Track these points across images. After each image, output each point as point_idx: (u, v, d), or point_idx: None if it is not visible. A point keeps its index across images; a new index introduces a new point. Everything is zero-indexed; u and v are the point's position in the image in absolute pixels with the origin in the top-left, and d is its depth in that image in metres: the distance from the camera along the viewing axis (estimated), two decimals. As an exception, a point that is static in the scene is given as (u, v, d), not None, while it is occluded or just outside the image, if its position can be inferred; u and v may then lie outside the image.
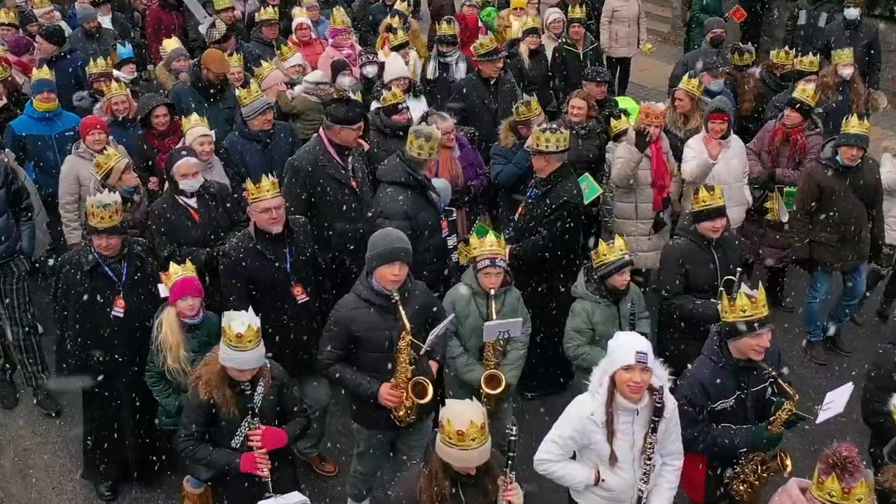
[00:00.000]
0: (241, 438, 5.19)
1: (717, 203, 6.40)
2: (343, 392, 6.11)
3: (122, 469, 6.72)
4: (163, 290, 5.93)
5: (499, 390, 5.95)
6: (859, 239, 7.71)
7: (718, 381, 5.23)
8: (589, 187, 7.95)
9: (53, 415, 7.55)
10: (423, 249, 6.48)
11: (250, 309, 5.20)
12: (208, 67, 8.88)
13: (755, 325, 5.09)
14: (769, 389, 5.33)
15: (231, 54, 9.75)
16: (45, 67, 9.12)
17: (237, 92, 8.27)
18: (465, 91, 9.27)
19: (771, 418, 5.21)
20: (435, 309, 5.78)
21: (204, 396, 5.11)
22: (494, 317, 5.90)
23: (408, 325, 5.31)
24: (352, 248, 6.93)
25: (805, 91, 8.27)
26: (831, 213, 7.59)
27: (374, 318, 5.39)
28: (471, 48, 9.86)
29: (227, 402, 5.11)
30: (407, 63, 9.62)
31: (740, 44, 10.33)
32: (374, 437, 5.80)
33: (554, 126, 7.09)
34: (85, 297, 6.25)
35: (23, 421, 7.56)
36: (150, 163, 8.20)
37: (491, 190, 8.28)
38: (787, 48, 9.97)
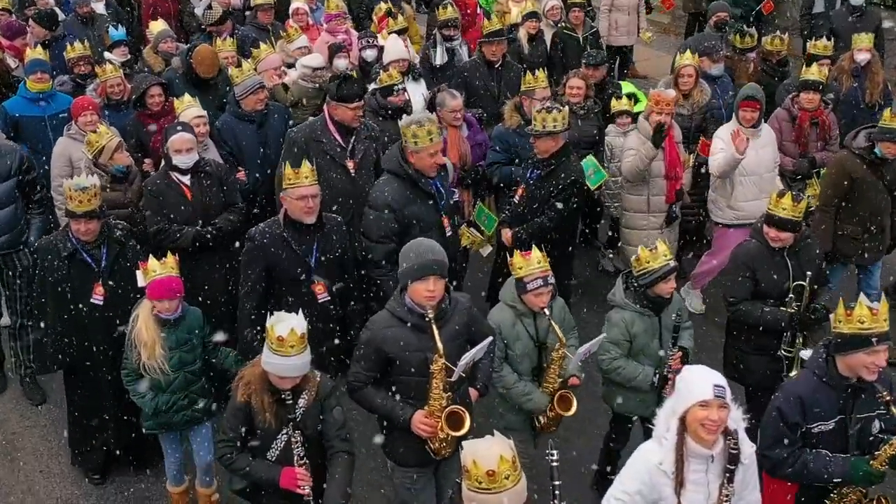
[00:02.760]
0: (278, 452, 4.81)
1: (786, 215, 5.90)
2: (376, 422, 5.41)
3: (107, 456, 6.56)
4: (140, 280, 5.69)
5: (572, 411, 5.49)
6: (882, 232, 7.43)
7: (820, 399, 4.64)
8: (595, 172, 7.84)
9: (38, 405, 7.43)
10: None
11: (300, 314, 4.79)
12: (198, 67, 8.67)
13: (873, 339, 4.48)
14: (878, 423, 4.70)
15: (226, 39, 9.62)
16: (39, 48, 9.02)
17: (230, 71, 8.15)
18: (467, 74, 9.17)
19: (875, 452, 4.62)
20: (477, 328, 5.18)
21: (241, 398, 4.75)
22: (560, 335, 5.34)
23: (440, 346, 4.74)
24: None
25: (821, 72, 8.12)
26: (859, 205, 7.27)
27: (409, 337, 4.87)
28: (480, 30, 9.70)
29: (264, 409, 4.71)
30: (407, 46, 9.50)
31: (744, 26, 10.16)
32: (413, 478, 5.21)
33: (552, 105, 6.94)
34: (63, 284, 6.05)
35: (11, 405, 7.44)
36: (145, 144, 8.05)
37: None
38: (779, 34, 9.77)
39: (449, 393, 4.87)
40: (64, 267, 6.03)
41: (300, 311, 4.91)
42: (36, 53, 8.67)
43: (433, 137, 6.04)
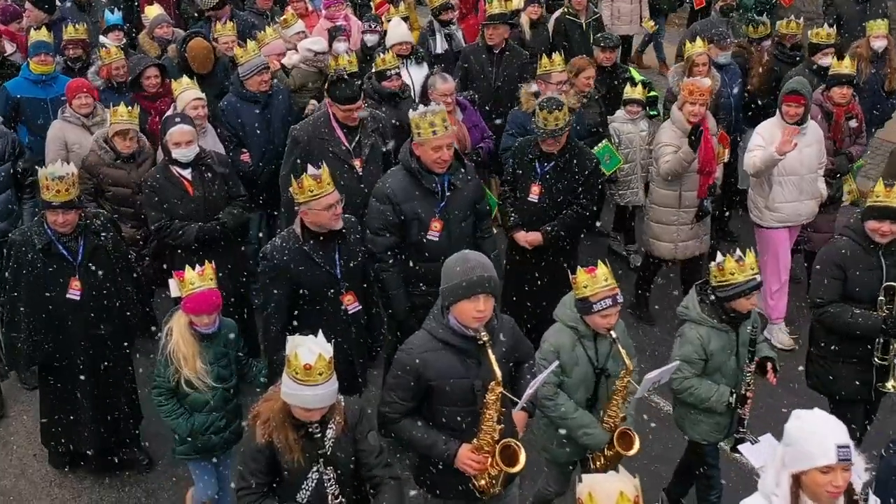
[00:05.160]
0: (309, 492, 4.26)
1: (893, 204, 5.50)
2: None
3: (81, 457, 6.34)
4: (174, 290, 5.24)
5: (633, 451, 4.91)
6: None
7: None
8: (611, 158, 7.73)
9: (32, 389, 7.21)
10: (409, 244, 5.88)
11: (321, 335, 4.26)
12: (191, 63, 8.50)
13: None
14: None
15: (225, 23, 9.50)
16: (44, 29, 8.93)
17: (235, 51, 8.02)
18: (467, 57, 9.07)
19: None
20: (520, 349, 4.75)
21: (262, 439, 4.17)
22: (628, 361, 4.82)
23: (498, 372, 4.28)
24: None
25: (851, 65, 7.79)
26: None
27: (453, 362, 4.37)
28: (482, 14, 9.60)
29: (290, 447, 4.15)
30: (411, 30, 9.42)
31: (755, 15, 9.96)
32: None
33: (550, 102, 6.59)
34: (37, 278, 5.76)
35: (4, 389, 7.28)
36: (141, 127, 7.90)
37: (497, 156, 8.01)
38: (793, 18, 9.58)
39: (502, 425, 4.43)
40: (38, 260, 5.73)
41: (325, 327, 4.50)
42: (40, 35, 8.60)
43: (436, 130, 5.65)
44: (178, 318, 5.15)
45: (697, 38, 8.55)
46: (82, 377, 5.95)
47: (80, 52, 8.96)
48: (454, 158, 5.82)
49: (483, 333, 4.28)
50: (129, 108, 7.00)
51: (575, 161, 6.69)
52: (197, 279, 5.08)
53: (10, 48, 9.56)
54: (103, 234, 5.95)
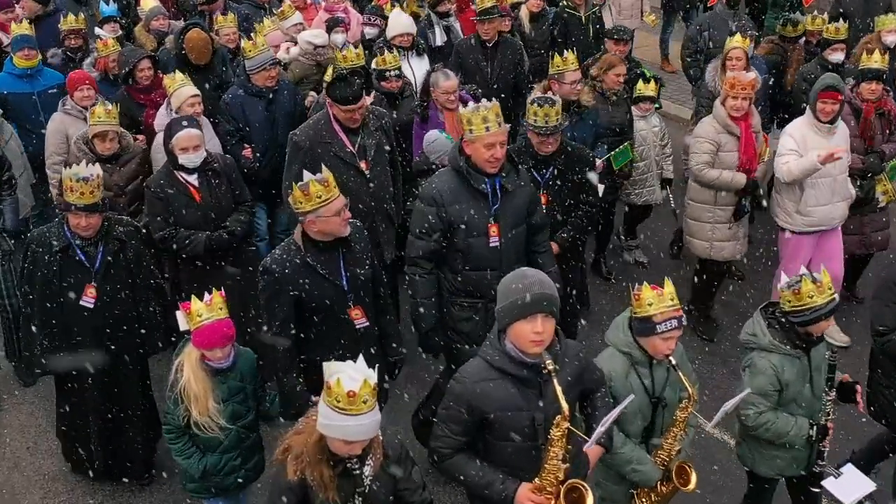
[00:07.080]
0: None
1: None
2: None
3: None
4: (182, 322, 4.85)
5: (691, 487, 4.56)
6: None
7: None
8: (624, 155, 7.64)
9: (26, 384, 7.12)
10: (454, 250, 5.48)
11: (360, 360, 3.86)
12: (189, 54, 8.34)
13: None
14: None
15: (227, 14, 9.38)
16: (25, 22, 8.83)
17: (242, 44, 7.89)
18: (461, 52, 8.98)
19: None
20: (589, 377, 4.35)
21: (294, 476, 3.82)
22: (691, 388, 4.48)
23: (566, 407, 3.95)
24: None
25: (884, 59, 7.46)
26: None
27: (511, 393, 4.03)
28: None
29: (325, 485, 3.79)
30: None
31: (789, 14, 9.76)
32: None
33: (542, 98, 6.35)
34: (52, 281, 5.56)
35: (-2, 381, 7.25)
36: (136, 120, 7.85)
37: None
38: (817, 14, 9.46)
39: (567, 464, 4.10)
40: (55, 263, 5.53)
41: (333, 346, 4.24)
42: (22, 28, 8.47)
43: (489, 126, 5.20)
44: (189, 352, 4.79)
45: (738, 33, 8.24)
46: (91, 390, 5.78)
47: (81, 41, 8.85)
48: (507, 161, 5.44)
49: (548, 361, 3.92)
50: (108, 108, 6.82)
51: (573, 160, 6.51)
52: (205, 310, 4.70)
53: (6, 39, 9.42)
54: (125, 241, 5.73)
